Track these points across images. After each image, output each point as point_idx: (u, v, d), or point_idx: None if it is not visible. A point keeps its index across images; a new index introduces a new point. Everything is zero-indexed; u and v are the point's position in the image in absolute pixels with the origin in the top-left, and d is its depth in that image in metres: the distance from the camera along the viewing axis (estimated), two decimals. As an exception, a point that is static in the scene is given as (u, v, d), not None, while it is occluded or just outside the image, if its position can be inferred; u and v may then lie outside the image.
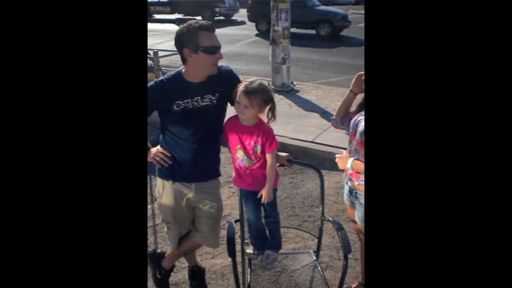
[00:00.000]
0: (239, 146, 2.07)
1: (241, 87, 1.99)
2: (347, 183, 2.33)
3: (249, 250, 2.23)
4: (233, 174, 2.18)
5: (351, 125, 2.23)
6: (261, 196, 2.07)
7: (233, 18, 18.80)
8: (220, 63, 2.19)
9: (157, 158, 2.15)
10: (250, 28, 15.47)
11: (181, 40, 1.98)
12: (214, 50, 1.98)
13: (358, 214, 2.22)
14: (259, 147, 2.04)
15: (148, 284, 2.65)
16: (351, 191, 2.27)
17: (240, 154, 2.07)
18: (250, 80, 2.03)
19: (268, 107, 2.04)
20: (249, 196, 2.15)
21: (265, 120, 2.06)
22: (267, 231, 2.21)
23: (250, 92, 1.96)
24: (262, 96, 1.98)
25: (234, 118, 2.13)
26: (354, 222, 2.40)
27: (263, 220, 2.19)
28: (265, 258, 2.20)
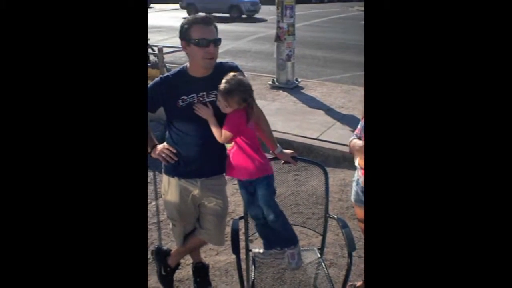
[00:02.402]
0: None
1: (221, 86, 1.95)
2: (357, 184, 2.31)
3: (257, 249, 2.21)
4: None
5: (361, 128, 2.21)
6: (254, 187, 2.06)
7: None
8: (225, 60, 2.19)
9: (163, 155, 2.15)
10: (255, 25, 15.43)
11: (180, 33, 2.02)
12: (204, 43, 1.95)
13: None
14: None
15: (153, 280, 2.67)
16: (364, 190, 2.24)
17: None
18: (227, 77, 1.96)
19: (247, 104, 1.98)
20: (242, 188, 2.13)
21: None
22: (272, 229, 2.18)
23: (227, 92, 1.93)
24: (239, 96, 1.93)
25: None
26: (362, 222, 2.39)
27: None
28: (290, 259, 2.12)
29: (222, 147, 2.21)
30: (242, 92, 1.94)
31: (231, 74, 1.98)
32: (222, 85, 1.94)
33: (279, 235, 2.13)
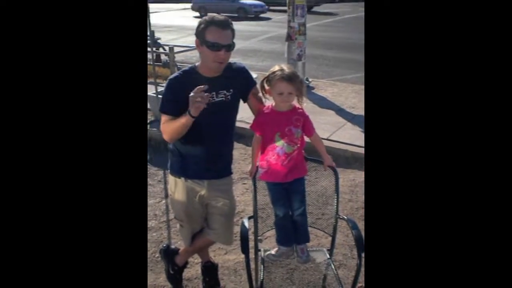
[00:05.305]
0: (278, 134, 2.03)
1: (277, 77, 1.96)
2: None
3: (267, 249, 2.20)
4: (261, 170, 2.11)
5: None
6: (290, 190, 2.10)
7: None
8: (235, 60, 2.18)
9: (198, 100, 1.85)
10: (265, 25, 15.42)
11: (196, 30, 2.00)
12: (216, 47, 1.92)
13: None
14: (300, 132, 2.07)
15: (161, 279, 2.68)
16: None
17: (280, 142, 2.03)
18: (274, 69, 2.00)
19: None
20: (280, 191, 2.11)
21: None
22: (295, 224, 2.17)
23: (291, 78, 1.96)
24: (299, 78, 2.01)
25: (266, 110, 2.10)
26: None
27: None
28: (300, 253, 2.16)
29: (229, 148, 2.20)
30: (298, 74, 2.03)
31: (276, 66, 2.01)
32: (279, 73, 1.96)
33: (300, 228, 2.17)
